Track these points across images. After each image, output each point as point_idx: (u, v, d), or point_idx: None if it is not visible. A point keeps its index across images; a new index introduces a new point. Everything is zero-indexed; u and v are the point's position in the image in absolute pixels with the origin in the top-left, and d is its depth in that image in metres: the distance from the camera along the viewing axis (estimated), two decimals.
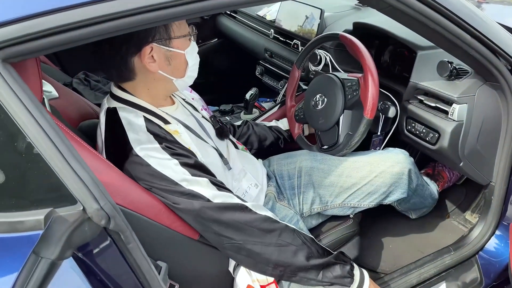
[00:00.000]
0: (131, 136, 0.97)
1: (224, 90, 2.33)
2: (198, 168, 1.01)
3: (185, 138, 1.05)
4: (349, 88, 1.33)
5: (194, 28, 1.07)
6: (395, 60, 1.55)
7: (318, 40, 1.46)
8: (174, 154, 0.98)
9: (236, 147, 1.34)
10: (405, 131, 1.39)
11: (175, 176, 0.96)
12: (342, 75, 1.39)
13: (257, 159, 1.45)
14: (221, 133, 1.26)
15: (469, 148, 1.26)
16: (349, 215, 1.38)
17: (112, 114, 1.02)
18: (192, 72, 1.08)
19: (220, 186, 1.03)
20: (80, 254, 0.78)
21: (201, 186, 0.98)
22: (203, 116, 1.25)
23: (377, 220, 1.66)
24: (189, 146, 1.04)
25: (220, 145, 1.22)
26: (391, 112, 1.31)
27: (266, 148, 1.53)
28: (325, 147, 1.41)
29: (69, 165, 0.70)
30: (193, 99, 1.29)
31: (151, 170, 0.96)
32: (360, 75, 1.32)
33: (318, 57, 1.63)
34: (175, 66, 1.03)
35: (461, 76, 1.24)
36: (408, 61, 1.49)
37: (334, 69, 1.60)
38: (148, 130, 0.99)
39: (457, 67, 1.23)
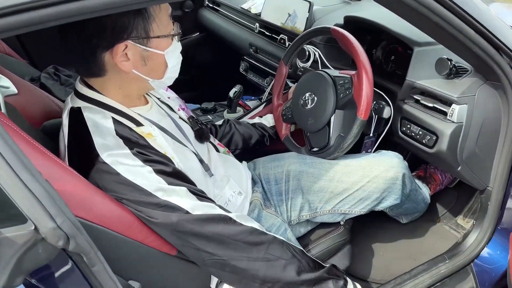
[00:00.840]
0: (97, 140, 0.86)
1: (206, 87, 2.22)
2: (176, 176, 0.90)
3: (160, 142, 0.93)
4: (341, 86, 1.24)
5: (179, 26, 0.96)
6: (388, 57, 1.46)
7: (308, 34, 1.36)
8: (147, 161, 0.87)
9: (218, 150, 1.23)
10: (399, 132, 1.31)
11: (149, 185, 0.85)
12: (333, 72, 1.30)
13: (241, 161, 1.35)
14: (201, 136, 1.15)
15: (468, 152, 1.18)
16: (339, 222, 1.29)
17: (76, 115, 0.90)
18: (172, 73, 0.97)
19: (200, 195, 0.92)
20: (34, 281, 0.66)
21: (179, 196, 0.87)
22: (180, 117, 1.14)
23: (367, 225, 1.58)
24: (165, 150, 0.93)
25: (200, 149, 1.11)
26: (386, 113, 1.22)
27: (252, 147, 1.43)
28: (315, 149, 1.31)
29: (18, 177, 0.58)
30: (169, 98, 1.17)
31: (120, 179, 0.84)
32: (353, 72, 1.22)
33: (307, 52, 1.53)
34: (151, 67, 0.92)
35: (460, 74, 1.16)
36: (402, 58, 1.41)
37: (324, 65, 1.51)
38: (118, 134, 0.88)
39: (456, 64, 1.14)
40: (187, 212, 0.87)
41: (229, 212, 0.94)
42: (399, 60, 1.42)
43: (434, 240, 1.64)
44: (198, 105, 1.85)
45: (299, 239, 1.27)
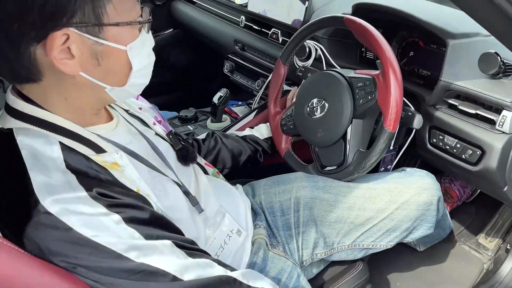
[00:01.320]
0: (37, 178, 0.57)
1: (184, 92, 1.93)
2: (155, 224, 0.63)
3: (130, 174, 0.66)
4: (360, 90, 0.98)
5: (149, 12, 0.68)
6: (406, 53, 1.22)
7: (313, 26, 1.10)
8: (113, 205, 0.59)
9: (206, 172, 0.96)
10: (428, 145, 1.07)
11: (117, 243, 0.57)
12: (348, 72, 1.04)
13: (234, 185, 1.08)
14: (186, 157, 0.87)
15: None
16: None
17: (5, 141, 0.61)
18: (139, 78, 0.69)
19: (191, 248, 0.65)
20: None
21: (162, 255, 0.60)
22: (157, 133, 0.86)
23: (378, 254, 1.34)
24: (137, 187, 0.65)
25: (184, 175, 0.84)
26: (417, 123, 0.98)
27: (242, 165, 1.16)
28: (328, 168, 1.05)
29: None
30: (140, 109, 0.89)
31: (73, 237, 0.56)
32: (375, 72, 0.97)
33: (307, 49, 1.28)
34: (108, 69, 0.64)
35: (508, 73, 0.93)
36: (423, 54, 1.17)
37: (329, 64, 1.25)
38: (68, 167, 0.59)
39: (505, 61, 0.91)
40: (175, 278, 0.60)
41: (231, 269, 0.67)
42: (420, 57, 1.18)
43: (455, 265, 1.42)
44: (175, 113, 1.56)
45: (310, 281, 1.01)
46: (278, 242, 0.97)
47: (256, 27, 1.52)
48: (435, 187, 1.00)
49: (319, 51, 1.28)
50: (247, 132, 1.24)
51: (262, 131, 1.24)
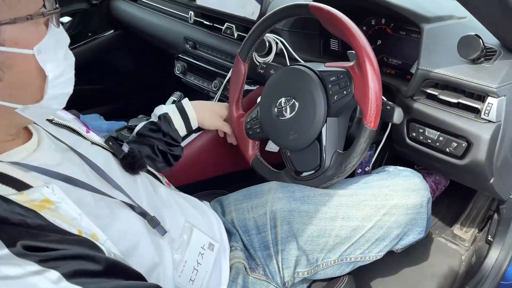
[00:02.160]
0: None
1: (134, 99, 1.75)
2: (108, 273, 0.49)
3: (67, 212, 0.51)
4: (333, 84, 0.88)
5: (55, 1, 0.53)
6: (372, 42, 1.13)
7: (278, 14, 0.98)
8: (47, 260, 0.45)
9: (160, 181, 0.82)
10: (407, 139, 0.99)
11: None
12: (318, 65, 0.94)
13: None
14: (132, 165, 0.72)
15: (502, 158, 0.90)
16: None
17: None
18: (59, 87, 0.54)
19: None
20: None
21: None
22: (94, 143, 0.70)
23: None
24: (78, 227, 0.51)
25: (138, 191, 0.69)
26: (397, 117, 0.89)
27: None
28: (304, 174, 0.94)
29: None
30: None
31: None
32: (349, 64, 0.87)
33: (267, 43, 1.16)
34: (13, 83, 0.49)
35: (489, 56, 0.86)
36: (392, 42, 1.09)
37: (291, 59, 1.15)
38: None
39: (485, 44, 0.84)
40: None
41: None
42: (389, 46, 1.10)
43: (434, 259, 1.36)
44: (123, 123, 1.39)
45: None
46: (257, 265, 0.84)
47: (208, 23, 1.38)
48: (423, 187, 0.92)
49: (280, 45, 1.16)
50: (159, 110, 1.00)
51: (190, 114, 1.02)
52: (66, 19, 1.77)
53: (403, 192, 0.90)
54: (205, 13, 1.40)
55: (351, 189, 0.91)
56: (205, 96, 1.45)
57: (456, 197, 1.46)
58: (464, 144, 0.87)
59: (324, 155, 0.91)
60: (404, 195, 0.90)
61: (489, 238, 1.23)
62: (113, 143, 0.72)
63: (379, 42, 1.12)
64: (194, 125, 1.03)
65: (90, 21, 1.81)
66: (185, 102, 1.03)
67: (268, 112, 0.98)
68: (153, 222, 0.66)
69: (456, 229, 1.44)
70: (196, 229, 0.75)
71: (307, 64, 0.95)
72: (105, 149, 0.70)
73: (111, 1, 1.81)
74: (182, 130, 1.01)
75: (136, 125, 1.31)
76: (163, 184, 0.82)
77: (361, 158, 0.86)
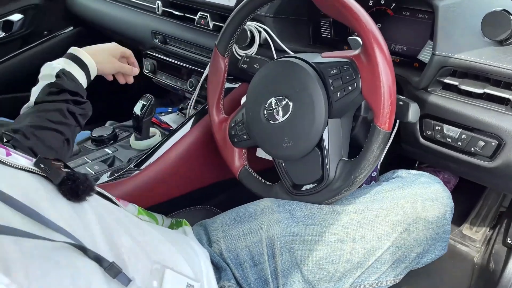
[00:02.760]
0: None
1: (98, 104, 1.55)
2: None
3: None
4: (335, 79, 0.72)
5: None
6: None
7: (259, 3, 0.81)
8: None
9: (116, 204, 0.65)
10: (421, 138, 0.84)
11: None
12: (313, 57, 0.77)
13: (178, 225, 0.78)
14: (75, 190, 0.53)
15: None
16: None
17: None
18: None
19: None
20: None
21: None
22: (18, 167, 0.51)
23: None
24: None
25: (87, 226, 0.51)
26: (413, 114, 0.73)
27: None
28: (305, 188, 0.78)
29: None
30: None
31: None
32: (352, 52, 0.72)
33: (248, 33, 1.00)
34: None
35: None
36: (394, 25, 0.94)
37: (278, 50, 0.98)
38: None
39: None
40: None
41: None
42: (390, 29, 0.95)
43: (444, 264, 1.23)
44: (86, 133, 1.20)
45: None
46: None
47: (178, 13, 1.20)
48: (445, 195, 0.77)
49: (265, 34, 1.00)
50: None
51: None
52: (17, 17, 1.55)
53: (423, 202, 0.76)
54: (174, 1, 1.22)
55: (361, 203, 0.76)
56: (182, 97, 1.27)
57: (463, 193, 1.33)
58: (494, 143, 0.73)
59: (327, 164, 0.75)
60: (424, 206, 0.75)
61: (508, 241, 1.10)
62: (46, 165, 0.53)
63: (378, 25, 0.96)
64: (94, 73, 0.87)
65: (46, 18, 1.60)
66: (75, 49, 0.85)
67: (255, 115, 0.82)
68: (113, 270, 0.48)
69: (465, 229, 1.31)
70: (168, 270, 0.58)
71: (300, 55, 0.78)
72: (37, 173, 0.52)
73: None
74: (84, 82, 0.84)
75: (101, 135, 1.13)
76: (120, 206, 0.65)
77: (373, 167, 0.71)
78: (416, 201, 0.75)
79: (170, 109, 1.28)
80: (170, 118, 1.24)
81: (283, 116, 0.78)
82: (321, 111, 0.73)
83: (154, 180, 0.98)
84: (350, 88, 0.70)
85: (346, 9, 0.68)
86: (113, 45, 0.95)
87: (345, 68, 0.71)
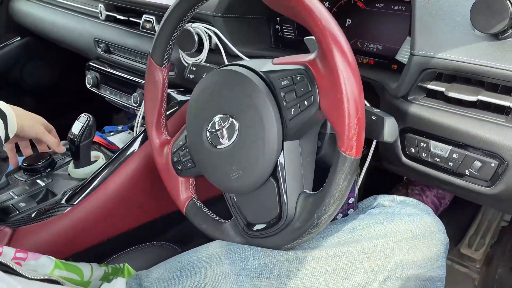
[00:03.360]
0: None
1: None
2: None
3: None
4: (287, 91, 0.56)
5: None
6: (340, 21, 0.82)
7: None
8: None
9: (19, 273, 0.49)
10: (403, 157, 0.68)
11: None
12: (263, 64, 0.61)
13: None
14: None
15: None
16: None
17: None
18: None
19: None
20: None
21: None
22: None
23: None
24: None
25: None
26: (389, 131, 0.58)
27: None
28: (258, 227, 0.62)
29: None
30: None
31: None
32: (308, 57, 0.56)
33: (195, 37, 0.84)
34: None
35: None
36: (366, 19, 0.78)
37: (232, 56, 0.83)
38: None
39: None
40: None
41: None
42: (362, 25, 0.79)
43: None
44: (21, 158, 1.03)
45: None
46: None
47: (122, 17, 1.04)
48: (437, 229, 0.62)
49: (215, 38, 0.84)
50: None
51: None
52: None
53: (409, 241, 0.60)
54: (118, 4, 1.06)
55: (332, 246, 0.60)
56: (131, 115, 1.11)
57: (459, 206, 1.18)
58: (494, 164, 0.57)
59: (284, 199, 0.59)
60: (411, 246, 0.60)
61: (486, 254, 0.95)
62: None
63: (348, 21, 0.81)
64: (12, 131, 0.77)
65: None
66: None
67: (197, 138, 0.66)
68: None
69: (464, 247, 1.16)
70: None
71: (246, 62, 0.63)
72: None
73: (10, 2, 1.44)
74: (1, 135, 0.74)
75: (32, 165, 0.97)
76: (16, 270, 0.49)
77: (341, 202, 0.55)
78: (401, 239, 0.60)
79: (120, 128, 1.12)
80: (119, 139, 1.08)
81: (229, 139, 0.62)
82: (273, 132, 0.57)
83: (89, 217, 0.82)
84: (306, 103, 0.55)
85: (301, 3, 0.52)
86: (40, 117, 0.89)
87: (298, 78, 0.55)
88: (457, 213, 1.18)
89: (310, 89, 0.54)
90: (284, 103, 0.57)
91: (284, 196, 0.59)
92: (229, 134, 0.61)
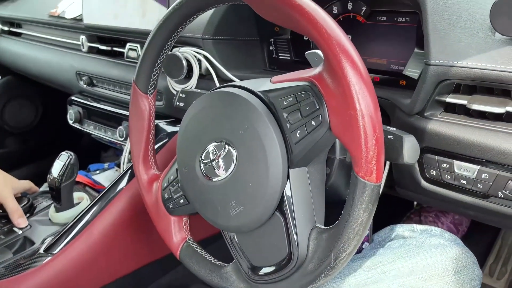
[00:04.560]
0: None
1: (19, 168, 1.31)
2: None
3: None
4: (291, 112, 0.49)
5: None
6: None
7: (179, 10, 0.59)
8: None
9: None
10: (422, 181, 0.61)
11: None
12: (260, 83, 0.55)
13: None
14: None
15: None
16: None
17: None
18: None
19: None
20: None
21: None
22: None
23: None
24: None
25: None
26: (410, 152, 0.51)
27: None
28: (265, 271, 0.54)
29: None
30: None
31: None
32: (312, 71, 0.49)
33: (184, 62, 0.78)
34: None
35: None
36: (367, 33, 0.73)
37: (224, 80, 0.76)
38: None
39: None
40: None
41: None
42: (364, 40, 0.74)
43: None
44: None
45: None
46: None
47: (105, 47, 0.98)
48: (470, 262, 0.55)
49: (205, 62, 0.78)
50: None
51: None
52: None
53: (440, 278, 0.52)
54: (100, 35, 1.00)
55: (351, 287, 0.52)
56: (120, 152, 1.03)
57: (477, 232, 1.10)
58: None
59: (294, 236, 0.51)
60: (443, 283, 0.52)
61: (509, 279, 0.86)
62: None
63: (348, 38, 0.75)
64: None
65: None
66: None
67: (190, 171, 0.58)
68: None
69: (485, 277, 1.07)
70: None
71: (241, 83, 0.56)
72: None
73: None
74: None
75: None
76: None
77: (362, 237, 0.47)
78: (431, 277, 0.52)
79: (106, 166, 1.03)
80: (105, 177, 0.99)
81: (226, 170, 0.54)
82: (276, 159, 0.50)
83: (71, 267, 0.73)
84: (313, 123, 0.47)
85: (297, 9, 0.46)
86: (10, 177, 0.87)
87: (303, 95, 0.48)
88: (474, 240, 1.10)
89: (317, 107, 0.47)
90: (288, 125, 0.49)
91: (294, 233, 0.51)
92: (226, 164, 0.54)
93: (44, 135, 1.49)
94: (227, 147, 0.54)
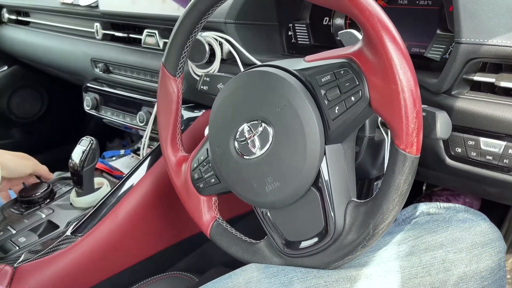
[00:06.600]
0: None
1: (36, 154, 1.32)
2: None
3: None
4: (330, 88, 0.51)
5: None
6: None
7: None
8: None
9: None
10: (447, 159, 0.63)
11: None
12: (294, 63, 0.56)
13: None
14: None
15: None
16: None
17: None
18: None
19: None
20: None
21: None
22: None
23: None
24: None
25: None
26: (443, 127, 0.53)
27: None
28: (303, 245, 0.55)
29: None
30: None
31: None
32: (350, 49, 0.50)
33: (206, 46, 0.78)
34: None
35: None
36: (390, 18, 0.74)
37: (246, 64, 0.77)
38: None
39: None
40: None
41: None
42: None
43: None
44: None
45: None
46: None
47: (121, 34, 0.98)
48: (496, 236, 0.57)
49: (227, 46, 0.79)
50: None
51: None
52: None
53: (470, 251, 0.54)
54: (115, 21, 1.00)
55: (383, 261, 0.54)
56: (135, 136, 1.04)
57: (488, 215, 1.13)
58: None
59: (331, 210, 0.53)
60: (472, 255, 0.54)
61: None
62: None
63: None
64: None
65: None
66: None
67: (223, 150, 0.59)
68: None
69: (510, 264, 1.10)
70: None
71: (276, 62, 0.57)
72: None
73: None
74: None
75: (31, 196, 0.88)
76: None
77: (400, 208, 0.49)
78: (461, 250, 0.53)
79: (122, 152, 1.04)
80: (122, 163, 1.00)
81: (262, 148, 0.55)
82: (314, 135, 0.51)
83: (98, 249, 0.74)
84: (353, 98, 0.49)
85: None
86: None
87: (342, 72, 0.50)
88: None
89: (357, 83, 0.48)
90: (326, 102, 0.51)
91: (330, 207, 0.53)
92: (262, 142, 0.55)
93: (50, 126, 1.48)
94: (263, 125, 0.55)
